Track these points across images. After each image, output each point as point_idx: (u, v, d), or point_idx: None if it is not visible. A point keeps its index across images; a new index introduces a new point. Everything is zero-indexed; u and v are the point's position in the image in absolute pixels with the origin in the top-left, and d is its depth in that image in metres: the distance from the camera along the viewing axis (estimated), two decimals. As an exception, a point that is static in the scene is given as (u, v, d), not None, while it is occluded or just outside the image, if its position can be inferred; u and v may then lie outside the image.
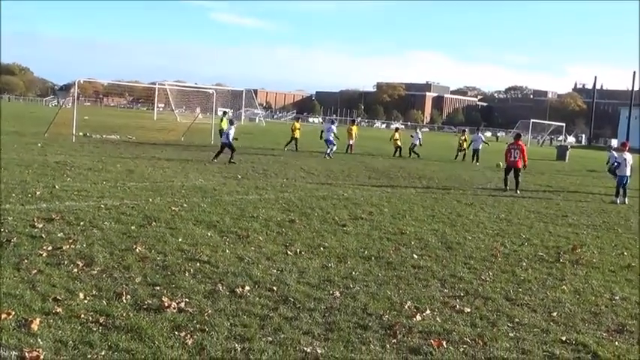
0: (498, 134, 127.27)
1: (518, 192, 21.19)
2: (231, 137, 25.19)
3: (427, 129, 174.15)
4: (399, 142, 37.87)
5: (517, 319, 7.24)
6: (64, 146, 26.72)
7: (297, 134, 35.88)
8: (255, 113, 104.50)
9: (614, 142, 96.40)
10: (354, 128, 37.56)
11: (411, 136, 41.07)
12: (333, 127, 34.28)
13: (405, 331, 6.58)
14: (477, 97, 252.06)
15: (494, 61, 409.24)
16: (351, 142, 36.53)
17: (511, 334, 6.72)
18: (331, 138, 32.87)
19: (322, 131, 34.79)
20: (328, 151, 32.50)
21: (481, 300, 7.96)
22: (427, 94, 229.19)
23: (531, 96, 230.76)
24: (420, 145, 39.67)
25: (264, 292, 7.59)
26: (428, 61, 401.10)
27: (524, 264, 10.21)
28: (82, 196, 13.53)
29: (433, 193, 19.72)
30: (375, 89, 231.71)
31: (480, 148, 37.55)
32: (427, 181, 23.42)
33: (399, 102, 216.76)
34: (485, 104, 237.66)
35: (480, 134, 39.50)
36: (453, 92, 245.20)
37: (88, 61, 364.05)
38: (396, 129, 40.48)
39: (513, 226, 14.13)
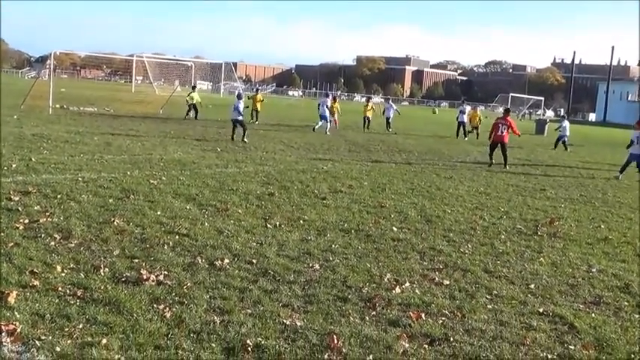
0: (478, 107, 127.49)
1: (507, 167, 21.11)
2: (241, 110, 24.16)
3: (407, 103, 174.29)
4: (369, 114, 36.50)
5: (495, 291, 7.29)
6: (41, 119, 26.37)
7: (259, 107, 35.26)
8: (235, 86, 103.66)
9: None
10: (336, 104, 36.86)
11: (384, 110, 39.65)
12: (328, 101, 33.87)
13: (384, 303, 6.60)
14: (456, 71, 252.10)
15: (474, 34, 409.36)
16: (334, 119, 35.69)
17: (489, 306, 6.76)
18: (326, 114, 32.26)
19: (318, 105, 34.04)
20: (317, 126, 32.12)
21: (460, 272, 8.00)
22: (407, 67, 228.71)
23: (511, 70, 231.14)
24: (399, 114, 39.29)
25: (244, 265, 7.57)
26: (406, 35, 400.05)
27: (503, 237, 10.26)
28: (59, 169, 13.37)
29: (412, 166, 19.74)
30: (355, 63, 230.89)
31: (392, 116, 37.99)
32: (407, 155, 23.44)
33: (378, 76, 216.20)
34: (465, 78, 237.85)
35: (391, 103, 40.40)
36: (432, 66, 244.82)
37: (65, 34, 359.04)
38: (368, 99, 39.62)
39: (492, 199, 14.20)
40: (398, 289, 7.06)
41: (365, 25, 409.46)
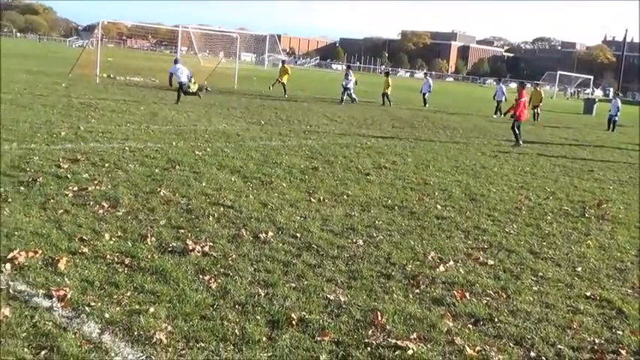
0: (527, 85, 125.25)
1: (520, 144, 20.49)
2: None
3: (451, 79, 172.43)
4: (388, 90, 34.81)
5: (541, 273, 7.20)
6: (88, 87, 26.73)
7: (285, 79, 34.69)
8: (279, 59, 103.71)
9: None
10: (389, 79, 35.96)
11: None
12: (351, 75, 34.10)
13: (428, 281, 6.57)
14: (503, 47, 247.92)
15: (522, 10, 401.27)
16: (387, 91, 34.79)
17: (535, 288, 6.68)
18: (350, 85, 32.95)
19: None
20: (352, 96, 32.81)
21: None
22: (452, 43, 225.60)
23: (559, 47, 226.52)
24: (430, 92, 37.50)
25: (288, 239, 7.59)
26: (455, 8, 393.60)
27: (549, 218, 10.12)
28: (107, 138, 13.56)
29: (457, 144, 19.56)
30: (400, 37, 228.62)
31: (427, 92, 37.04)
32: (451, 132, 23.22)
33: (423, 50, 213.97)
34: (511, 55, 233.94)
35: (428, 78, 39.06)
36: (479, 42, 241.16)
37: (112, 3, 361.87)
38: (387, 73, 37.95)
39: (538, 179, 13.99)
40: (442, 268, 7.02)
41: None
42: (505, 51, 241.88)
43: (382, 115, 27.87)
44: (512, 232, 8.99)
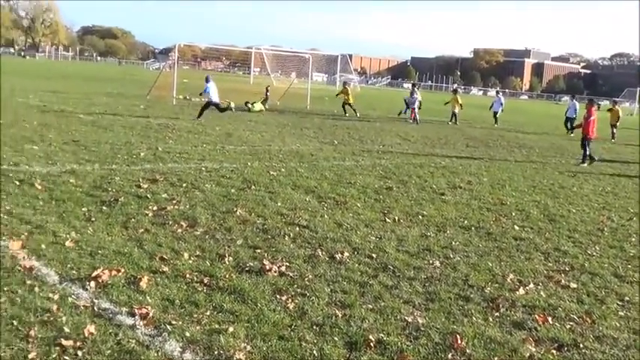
0: (601, 103, 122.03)
1: (585, 163, 19.83)
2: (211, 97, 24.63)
3: (526, 97, 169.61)
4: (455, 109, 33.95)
5: (627, 297, 6.94)
6: (165, 109, 27.41)
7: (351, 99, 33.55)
8: (350, 78, 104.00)
9: None
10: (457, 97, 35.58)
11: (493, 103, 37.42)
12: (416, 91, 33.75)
13: (508, 304, 6.43)
14: (579, 64, 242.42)
15: (599, 24, 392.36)
16: (455, 111, 34.21)
17: (621, 313, 6.45)
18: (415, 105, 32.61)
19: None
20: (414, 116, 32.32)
21: (588, 276, 7.68)
22: (526, 60, 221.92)
23: (638, 63, 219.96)
24: (502, 110, 36.47)
25: (364, 259, 7.56)
26: (528, 25, 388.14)
27: (634, 239, 9.77)
28: (184, 159, 13.84)
29: (533, 163, 19.17)
30: (472, 55, 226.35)
31: (499, 110, 36.01)
32: (527, 151, 22.79)
33: (496, 68, 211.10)
34: (588, 71, 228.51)
35: (499, 96, 37.91)
36: (554, 59, 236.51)
37: (186, 26, 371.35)
38: (454, 91, 37.40)
39: (620, 199, 13.56)
40: (522, 291, 6.86)
41: (485, 16, 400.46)
42: (582, 67, 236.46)
43: (456, 134, 27.59)
44: (594, 254, 8.72)
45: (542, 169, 17.83)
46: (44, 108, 22.83)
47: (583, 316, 6.26)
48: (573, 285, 7.23)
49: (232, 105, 26.90)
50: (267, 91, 34.47)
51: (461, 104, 34.29)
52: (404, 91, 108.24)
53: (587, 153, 20.04)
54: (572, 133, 32.19)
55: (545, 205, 12.02)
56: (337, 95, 35.19)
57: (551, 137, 30.92)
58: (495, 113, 36.04)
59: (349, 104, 33.36)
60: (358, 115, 32.59)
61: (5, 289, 5.59)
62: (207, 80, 25.10)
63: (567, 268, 7.92)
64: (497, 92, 44.51)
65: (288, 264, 7.08)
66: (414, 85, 40.06)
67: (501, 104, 36.71)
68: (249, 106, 30.40)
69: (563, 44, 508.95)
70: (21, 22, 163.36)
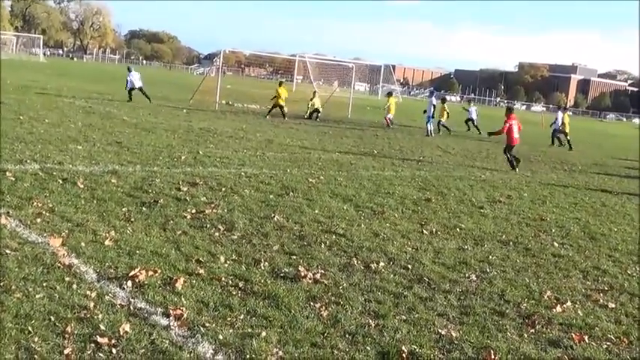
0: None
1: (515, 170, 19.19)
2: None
3: (570, 112, 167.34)
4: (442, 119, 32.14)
5: (667, 320, 6.80)
6: (207, 113, 27.69)
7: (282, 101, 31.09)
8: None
9: None
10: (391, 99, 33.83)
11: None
12: (433, 99, 30.98)
13: (543, 321, 6.34)
14: (626, 81, 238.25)
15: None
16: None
17: (660, 335, 6.32)
18: (431, 113, 29.80)
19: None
20: (429, 130, 29.66)
21: (627, 296, 7.53)
22: (572, 76, 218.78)
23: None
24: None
25: (399, 270, 7.53)
26: (575, 41, 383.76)
27: (676, 261, 9.56)
28: (224, 163, 13.96)
29: (576, 179, 18.89)
30: (517, 69, 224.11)
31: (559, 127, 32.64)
32: (569, 167, 22.47)
33: (541, 83, 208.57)
34: (635, 89, 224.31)
35: (559, 113, 33.90)
36: (600, 75, 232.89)
37: (232, 33, 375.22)
38: (443, 100, 34.42)
39: (664, 220, 13.29)
40: (559, 308, 6.76)
41: (532, 30, 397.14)
42: (629, 85, 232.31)
43: (497, 148, 27.31)
44: (635, 274, 8.55)
45: (584, 185, 17.56)
46: (89, 109, 23.25)
47: (620, 336, 6.15)
48: (612, 305, 7.09)
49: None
50: (313, 96, 33.90)
51: (447, 113, 32.62)
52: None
53: (510, 159, 19.63)
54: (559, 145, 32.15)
55: (585, 223, 11.83)
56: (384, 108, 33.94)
57: (594, 154, 30.46)
58: (557, 132, 32.85)
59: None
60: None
61: (44, 284, 5.69)
62: (129, 70, 31.02)
63: (606, 288, 7.79)
64: (564, 109, 38.23)
65: (323, 271, 7.09)
66: (469, 101, 39.73)
67: (562, 122, 33.02)
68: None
69: (611, 61, 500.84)
70: (70, 25, 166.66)
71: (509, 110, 21.03)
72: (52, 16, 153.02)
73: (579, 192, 16.12)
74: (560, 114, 33.67)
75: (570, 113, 40.62)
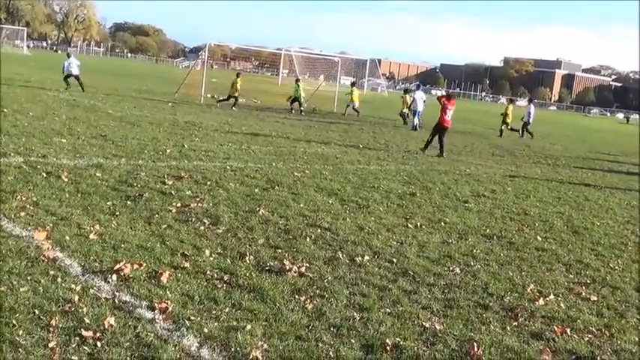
0: (631, 116, 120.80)
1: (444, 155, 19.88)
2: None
3: (554, 107, 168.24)
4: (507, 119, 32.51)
5: (648, 313, 6.89)
6: (193, 107, 27.61)
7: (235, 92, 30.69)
8: (378, 83, 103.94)
9: None
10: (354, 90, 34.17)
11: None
12: (419, 93, 30.95)
13: (526, 314, 6.40)
14: (610, 76, 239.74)
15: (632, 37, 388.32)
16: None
17: (641, 328, 6.40)
18: (419, 108, 29.86)
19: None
20: (415, 123, 29.43)
21: (609, 289, 7.62)
22: (557, 71, 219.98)
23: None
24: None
25: (384, 263, 7.57)
26: (560, 36, 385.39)
27: (657, 255, 9.68)
28: (209, 157, 13.94)
29: (559, 174, 19.02)
30: (502, 64, 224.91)
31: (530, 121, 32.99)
32: (553, 162, 22.62)
33: (526, 78, 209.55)
34: (619, 84, 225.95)
35: (531, 106, 34.32)
36: (584, 70, 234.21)
37: (217, 27, 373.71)
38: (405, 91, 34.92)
39: (646, 214, 13.43)
40: (541, 301, 6.82)
41: (517, 25, 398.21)
42: (612, 80, 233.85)
43: (482, 142, 27.48)
44: (617, 268, 8.64)
45: (567, 180, 17.69)
46: (74, 102, 23.12)
47: (602, 329, 6.22)
48: (594, 298, 7.17)
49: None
50: (296, 83, 33.68)
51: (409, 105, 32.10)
52: (430, 98, 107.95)
53: (435, 142, 20.32)
54: (522, 135, 32.48)
55: (569, 217, 11.93)
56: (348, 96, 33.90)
57: (578, 149, 30.66)
58: (525, 125, 33.19)
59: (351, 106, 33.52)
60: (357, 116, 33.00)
61: (28, 278, 5.68)
62: (68, 56, 30.94)
63: (589, 281, 7.87)
64: (530, 101, 39.12)
65: (308, 265, 7.11)
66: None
67: (530, 115, 33.68)
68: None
69: (595, 56, 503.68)
70: (54, 17, 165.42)
71: (450, 96, 21.63)
72: (35, 9, 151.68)
73: (563, 186, 16.24)
74: (532, 107, 34.25)
75: (555, 108, 40.51)
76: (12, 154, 11.28)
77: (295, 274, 6.73)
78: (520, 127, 32.90)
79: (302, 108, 31.83)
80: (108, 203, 8.73)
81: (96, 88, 31.50)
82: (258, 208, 9.47)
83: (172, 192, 9.90)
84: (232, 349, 4.86)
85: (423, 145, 20.48)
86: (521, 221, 11.02)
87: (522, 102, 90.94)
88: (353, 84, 36.68)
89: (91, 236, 7.12)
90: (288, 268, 6.85)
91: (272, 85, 66.66)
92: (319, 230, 8.72)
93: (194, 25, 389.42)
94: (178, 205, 9.11)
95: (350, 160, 16.29)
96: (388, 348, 5.19)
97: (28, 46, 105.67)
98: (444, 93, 23.47)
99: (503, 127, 32.34)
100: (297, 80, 34.03)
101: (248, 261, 7.00)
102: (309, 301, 6.01)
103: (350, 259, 7.54)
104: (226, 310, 5.55)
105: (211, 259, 6.94)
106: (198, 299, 5.73)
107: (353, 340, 5.27)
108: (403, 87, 38.68)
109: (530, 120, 32.97)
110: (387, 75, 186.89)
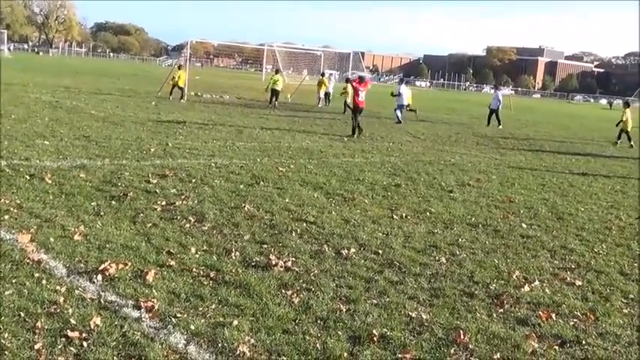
0: (614, 102, 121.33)
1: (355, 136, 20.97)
2: None
3: (538, 95, 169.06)
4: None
5: (632, 295, 6.94)
6: (176, 105, 27.50)
7: (181, 83, 31.19)
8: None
9: None
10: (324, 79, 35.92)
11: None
12: (403, 86, 31.36)
13: (512, 301, 6.45)
14: (592, 62, 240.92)
15: (611, 23, 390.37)
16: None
17: (625, 310, 6.45)
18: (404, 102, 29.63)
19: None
20: (399, 116, 28.84)
21: (593, 273, 7.68)
22: (539, 59, 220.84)
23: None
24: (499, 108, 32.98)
25: (370, 255, 7.60)
26: (540, 23, 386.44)
27: (641, 238, 9.76)
28: (194, 154, 13.91)
29: (544, 161, 19.13)
30: (485, 53, 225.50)
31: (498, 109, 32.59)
32: (538, 149, 22.73)
33: (509, 67, 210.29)
34: (601, 70, 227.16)
35: (497, 93, 34.65)
36: (567, 57, 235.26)
37: (200, 25, 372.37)
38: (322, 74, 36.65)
39: (629, 198, 13.53)
40: (527, 288, 6.88)
41: (497, 13, 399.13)
42: (595, 66, 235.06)
43: (466, 132, 27.56)
44: (601, 252, 8.71)
45: (552, 167, 17.79)
46: (56, 104, 22.98)
47: (587, 313, 6.28)
48: (578, 282, 7.23)
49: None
50: (276, 74, 34.14)
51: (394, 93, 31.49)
52: (415, 89, 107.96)
53: (356, 125, 21.39)
54: (500, 125, 31.79)
55: (553, 203, 12.01)
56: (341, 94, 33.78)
57: (562, 136, 30.82)
58: (493, 112, 32.67)
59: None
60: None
61: (13, 281, 5.66)
62: None
63: (573, 266, 7.93)
64: (495, 88, 39.42)
65: (294, 259, 7.13)
66: (496, 87, 39.10)
67: (499, 101, 32.95)
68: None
69: (578, 43, 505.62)
70: (35, 19, 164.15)
71: (362, 79, 22.89)
72: (15, 11, 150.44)
73: (547, 173, 16.33)
74: (499, 93, 34.53)
75: (539, 96, 40.99)
76: (-6, 158, 11.21)
77: (281, 269, 6.74)
78: (487, 114, 33.31)
79: (276, 102, 31.88)
80: (92, 204, 8.70)
81: (78, 89, 31.34)
82: (243, 204, 9.47)
83: (157, 190, 9.88)
84: (219, 345, 4.86)
85: (351, 132, 21.28)
86: (506, 209, 11.08)
87: (505, 90, 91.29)
88: (322, 74, 37.88)
89: (76, 237, 7.10)
90: (274, 262, 6.86)
91: (256, 81, 66.45)
92: (305, 224, 8.73)
93: (176, 24, 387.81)
94: (163, 203, 9.09)
95: (335, 154, 16.31)
96: (375, 339, 5.21)
97: (9, 49, 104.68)
98: (357, 77, 24.78)
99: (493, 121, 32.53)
100: (278, 71, 34.12)
101: (234, 257, 7.00)
102: (295, 295, 6.02)
103: (336, 252, 7.56)
104: (213, 307, 5.56)
105: (197, 256, 6.94)
106: (184, 297, 5.73)
107: (340, 332, 5.29)
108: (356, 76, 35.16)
109: (500, 107, 32.94)
110: (371, 68, 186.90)
